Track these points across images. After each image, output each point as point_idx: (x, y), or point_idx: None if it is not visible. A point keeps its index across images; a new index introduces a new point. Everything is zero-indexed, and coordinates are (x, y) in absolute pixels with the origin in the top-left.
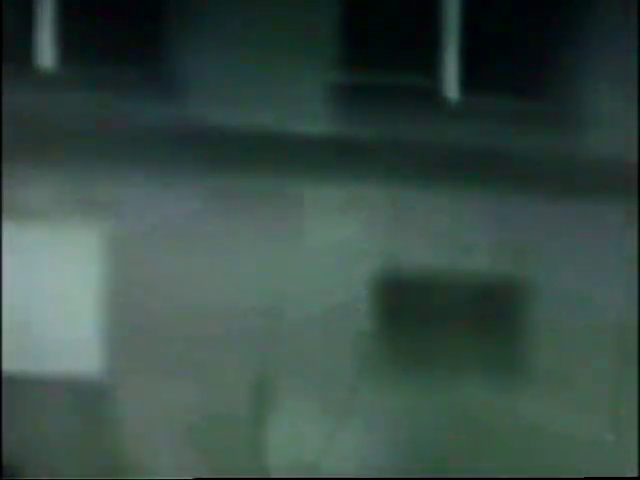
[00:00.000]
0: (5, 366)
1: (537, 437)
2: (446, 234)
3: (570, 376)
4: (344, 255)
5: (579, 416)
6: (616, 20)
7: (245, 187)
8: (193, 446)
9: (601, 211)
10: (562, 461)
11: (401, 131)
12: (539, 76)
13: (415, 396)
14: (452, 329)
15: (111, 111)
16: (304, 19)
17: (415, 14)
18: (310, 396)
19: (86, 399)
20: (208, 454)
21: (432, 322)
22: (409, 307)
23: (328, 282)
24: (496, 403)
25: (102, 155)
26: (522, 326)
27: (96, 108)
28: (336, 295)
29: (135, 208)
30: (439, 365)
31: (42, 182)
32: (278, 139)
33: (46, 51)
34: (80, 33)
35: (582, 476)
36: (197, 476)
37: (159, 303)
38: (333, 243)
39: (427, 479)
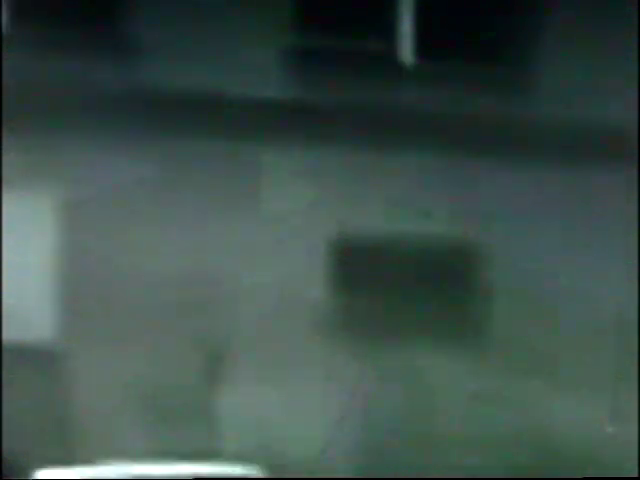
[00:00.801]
0: None
1: (488, 401)
2: (402, 198)
3: (524, 341)
4: (299, 220)
5: (532, 381)
6: None
7: (198, 151)
8: (145, 412)
9: (555, 174)
10: (512, 426)
11: (356, 95)
12: (493, 41)
13: (369, 360)
14: (407, 293)
15: (62, 75)
16: None
17: None
18: (263, 362)
19: (38, 366)
20: (160, 420)
21: (387, 287)
22: (365, 272)
23: (283, 247)
24: (450, 367)
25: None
26: (477, 290)
27: None
28: (291, 261)
29: (86, 173)
30: (393, 329)
31: None
32: (232, 103)
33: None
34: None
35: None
36: (148, 440)
37: (111, 270)
38: (288, 208)
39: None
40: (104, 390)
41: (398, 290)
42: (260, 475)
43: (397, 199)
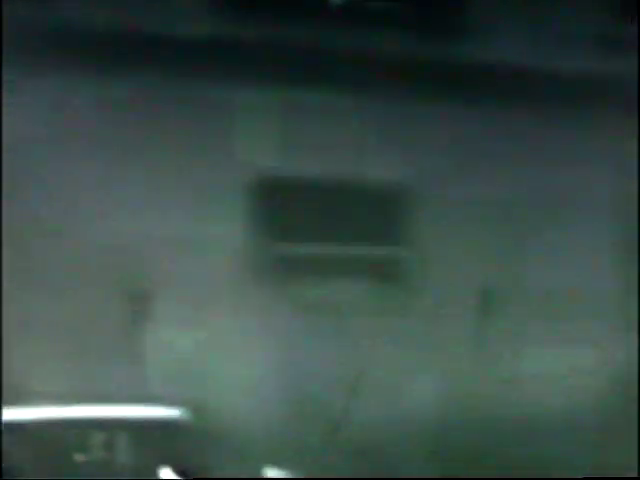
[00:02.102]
0: None
1: (409, 340)
2: (334, 140)
3: (455, 280)
4: (222, 163)
5: (457, 334)
6: None
7: (132, 91)
8: (69, 356)
9: (483, 117)
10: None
11: (284, 33)
12: None
13: (293, 301)
14: (335, 237)
15: None
16: None
17: None
18: (185, 306)
19: None
20: (84, 364)
21: (314, 228)
22: (294, 215)
23: (207, 189)
24: (373, 311)
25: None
26: (409, 235)
27: None
28: (212, 204)
29: (38, 113)
30: (317, 272)
31: None
32: (162, 41)
33: None
34: None
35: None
36: (71, 383)
37: (45, 214)
38: (210, 148)
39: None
40: (28, 332)
41: (327, 232)
42: (184, 418)
43: (329, 140)
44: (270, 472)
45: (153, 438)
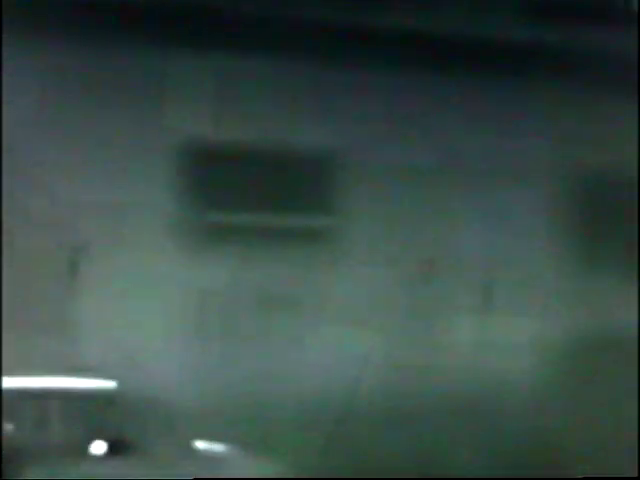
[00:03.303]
0: None
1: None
2: (266, 108)
3: (379, 259)
4: (154, 130)
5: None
6: None
7: (64, 59)
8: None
9: (415, 85)
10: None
11: (216, 1)
12: None
13: (224, 270)
14: (266, 205)
15: None
16: None
17: None
18: (117, 275)
19: None
20: (17, 334)
21: (246, 197)
22: (225, 183)
23: (139, 156)
24: (305, 279)
25: None
26: (341, 203)
27: None
28: (144, 171)
29: None
30: (247, 240)
31: None
32: (96, 6)
33: None
34: None
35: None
36: (4, 354)
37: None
38: (143, 115)
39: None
40: None
41: (254, 198)
42: (116, 389)
43: (261, 108)
44: (201, 444)
45: (85, 409)
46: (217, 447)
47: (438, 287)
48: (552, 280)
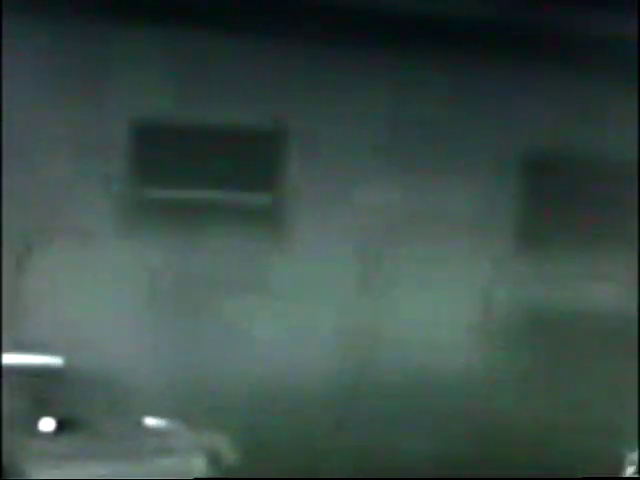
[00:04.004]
0: None
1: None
2: (208, 84)
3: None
4: (98, 105)
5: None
6: None
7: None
8: None
9: (357, 58)
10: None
11: None
12: None
13: (165, 252)
14: (208, 182)
15: None
16: None
17: None
18: (61, 250)
19: None
20: None
21: (188, 174)
22: (167, 159)
23: (82, 130)
24: (247, 256)
25: None
26: (286, 179)
27: None
28: (87, 137)
29: None
30: (189, 217)
31: None
32: None
33: None
34: None
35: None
36: None
37: None
38: (87, 89)
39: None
40: None
41: (200, 177)
42: (65, 365)
43: (202, 85)
44: (150, 421)
45: (34, 386)
46: (165, 423)
47: (388, 262)
48: (492, 259)
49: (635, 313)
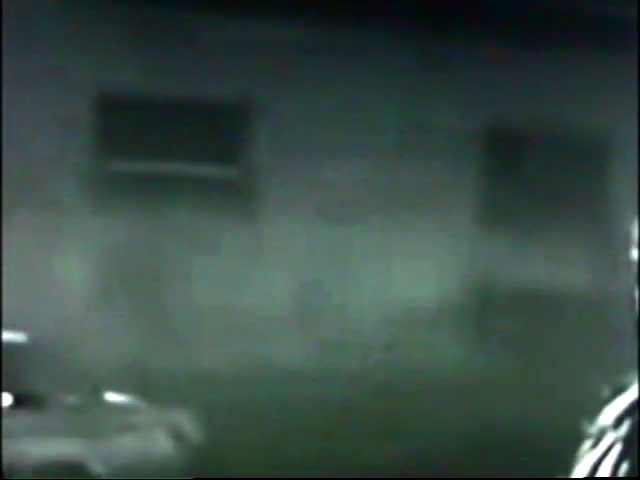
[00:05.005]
0: None
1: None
2: (175, 56)
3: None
4: (61, 78)
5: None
6: None
7: None
8: None
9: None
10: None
11: None
12: None
13: (130, 226)
14: (174, 155)
15: None
16: None
17: None
18: (25, 226)
19: None
20: None
21: (153, 147)
22: (131, 132)
23: (45, 105)
24: (213, 230)
25: None
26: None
27: None
28: (45, 115)
29: None
30: (155, 190)
31: None
32: None
33: None
34: None
35: None
36: None
37: None
38: (50, 64)
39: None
40: None
41: (165, 150)
42: (23, 341)
43: (169, 56)
44: (111, 396)
45: None
46: (127, 399)
47: (356, 237)
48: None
49: (597, 293)
